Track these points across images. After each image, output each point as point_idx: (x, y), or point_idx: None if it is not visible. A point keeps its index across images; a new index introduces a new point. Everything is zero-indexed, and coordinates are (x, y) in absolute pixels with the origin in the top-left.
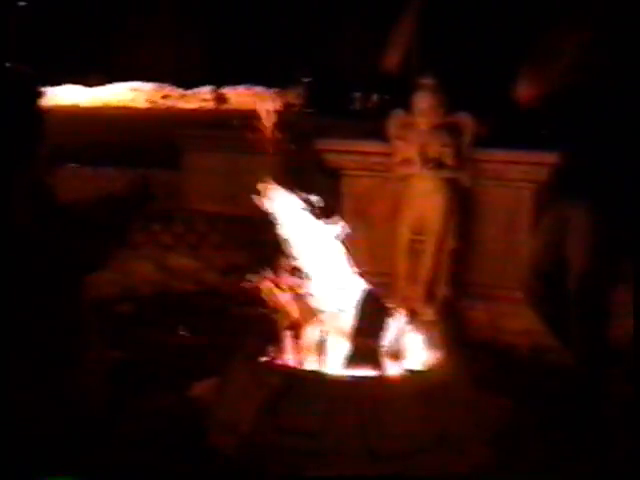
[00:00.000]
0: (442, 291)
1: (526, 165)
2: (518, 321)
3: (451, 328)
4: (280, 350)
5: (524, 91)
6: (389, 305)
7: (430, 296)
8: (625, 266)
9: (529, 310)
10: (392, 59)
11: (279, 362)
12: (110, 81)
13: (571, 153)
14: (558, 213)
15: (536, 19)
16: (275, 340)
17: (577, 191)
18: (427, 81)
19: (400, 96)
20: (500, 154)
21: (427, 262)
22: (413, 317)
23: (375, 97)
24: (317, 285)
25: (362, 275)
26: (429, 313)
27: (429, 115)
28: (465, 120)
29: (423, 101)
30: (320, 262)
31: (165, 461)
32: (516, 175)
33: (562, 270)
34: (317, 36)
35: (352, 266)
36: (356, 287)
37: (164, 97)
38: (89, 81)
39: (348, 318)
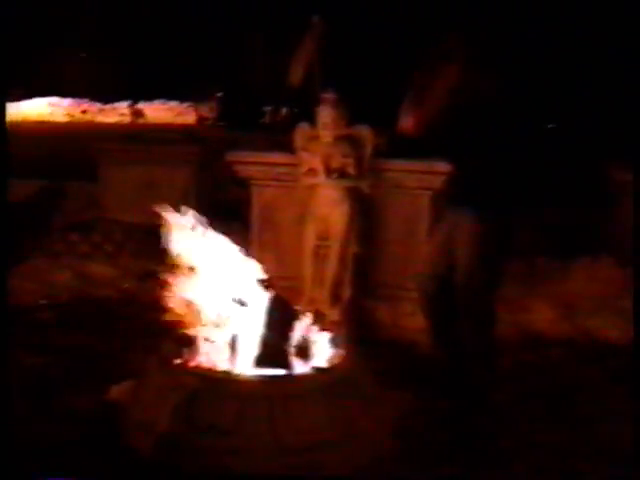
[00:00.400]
0: (347, 293)
1: (422, 174)
2: (418, 319)
3: (355, 328)
4: (194, 352)
5: (406, 123)
6: (296, 307)
7: (335, 298)
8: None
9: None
10: (296, 75)
11: (193, 364)
12: (29, 96)
13: (456, 165)
14: (449, 219)
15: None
16: (189, 343)
17: (463, 199)
18: (329, 96)
19: (308, 109)
20: (398, 164)
21: (332, 266)
22: (319, 318)
23: (284, 111)
24: (225, 289)
25: (270, 279)
26: (334, 314)
27: (332, 128)
28: (365, 132)
29: (326, 115)
30: (224, 267)
31: (82, 463)
32: (413, 183)
33: (453, 273)
34: (229, 51)
35: (260, 271)
36: (264, 291)
37: (83, 112)
38: (8, 96)
39: (257, 320)
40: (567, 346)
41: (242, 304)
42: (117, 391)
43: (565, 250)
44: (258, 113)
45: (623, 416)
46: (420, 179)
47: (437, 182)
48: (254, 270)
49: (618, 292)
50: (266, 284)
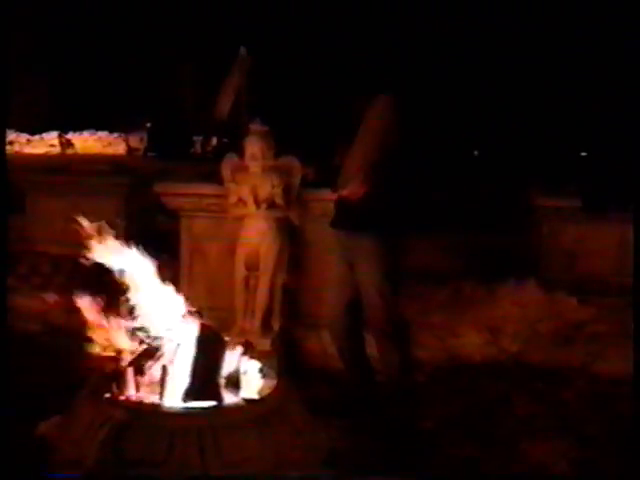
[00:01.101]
0: (277, 323)
1: None
2: None
3: (286, 357)
4: (123, 385)
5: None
6: (226, 338)
7: (266, 328)
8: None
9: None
10: (223, 107)
11: (122, 397)
12: None
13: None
14: (343, 246)
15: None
16: (117, 376)
17: (360, 224)
18: (257, 127)
19: (236, 140)
20: (326, 193)
21: (262, 296)
22: (250, 348)
23: (214, 141)
24: (154, 322)
25: (200, 310)
26: (265, 344)
27: (260, 159)
28: (293, 163)
29: (254, 146)
30: (154, 299)
31: None
32: None
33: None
34: (158, 82)
35: (190, 302)
36: (193, 322)
37: (10, 143)
38: None
39: (187, 352)
40: (494, 370)
41: (171, 336)
42: (46, 427)
43: (490, 275)
44: (187, 143)
45: (549, 436)
46: None
47: None
48: (184, 301)
49: (541, 315)
50: (196, 315)
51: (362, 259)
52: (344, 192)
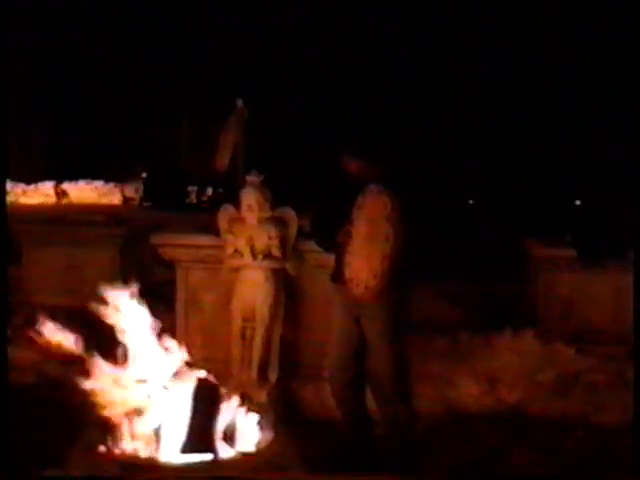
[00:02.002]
0: (274, 374)
1: None
2: None
3: (283, 409)
4: (118, 438)
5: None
6: (222, 390)
7: (263, 379)
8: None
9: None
10: (222, 158)
11: (117, 451)
12: None
13: None
14: (348, 300)
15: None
16: (113, 429)
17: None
18: (253, 178)
19: (232, 191)
20: None
21: (258, 347)
22: (246, 401)
23: (210, 191)
24: (150, 373)
25: (196, 362)
26: (262, 396)
27: (256, 210)
28: (289, 214)
29: (250, 197)
30: (150, 350)
31: None
32: None
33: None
34: (154, 132)
35: (185, 354)
36: (189, 374)
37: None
38: None
39: (183, 404)
40: (492, 420)
41: (165, 388)
42: None
43: (487, 324)
44: (183, 193)
45: None
46: None
47: None
48: (180, 353)
49: (539, 365)
50: (192, 366)
51: (372, 320)
52: (358, 293)
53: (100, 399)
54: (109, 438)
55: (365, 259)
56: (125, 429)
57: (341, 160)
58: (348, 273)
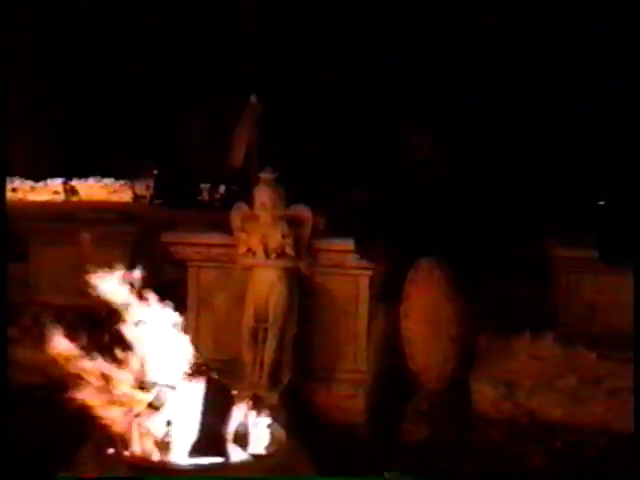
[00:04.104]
0: (286, 376)
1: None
2: (357, 401)
3: (295, 412)
4: (127, 441)
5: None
6: (234, 392)
7: (275, 381)
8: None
9: (367, 391)
10: (238, 155)
11: (126, 453)
12: None
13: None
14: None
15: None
16: (122, 431)
17: None
18: (267, 175)
19: (246, 188)
20: (337, 244)
21: (271, 349)
22: (258, 403)
23: (222, 188)
24: (160, 375)
25: (207, 363)
26: (273, 398)
27: (270, 208)
28: (304, 212)
29: (263, 195)
30: (161, 352)
31: None
32: (352, 263)
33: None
34: (165, 128)
35: (197, 355)
36: (200, 376)
37: (14, 190)
38: None
39: (193, 406)
40: (509, 426)
41: (174, 389)
42: None
43: (506, 327)
44: (195, 191)
45: None
46: (359, 259)
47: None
48: (190, 353)
49: (559, 370)
50: (203, 368)
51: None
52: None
53: (109, 401)
54: (118, 440)
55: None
56: (134, 431)
57: (409, 139)
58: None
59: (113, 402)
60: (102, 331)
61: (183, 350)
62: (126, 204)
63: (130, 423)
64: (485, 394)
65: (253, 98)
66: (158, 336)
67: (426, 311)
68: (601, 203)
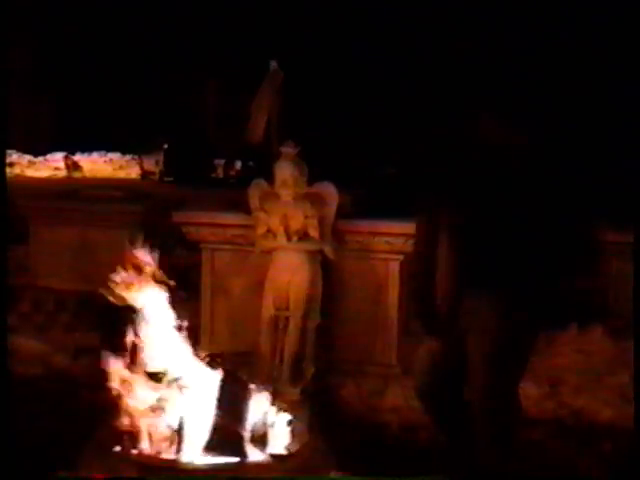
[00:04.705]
0: (309, 369)
1: (391, 236)
2: (388, 398)
3: (318, 408)
4: (135, 438)
5: None
6: (252, 386)
7: (296, 375)
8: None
9: (398, 387)
10: (258, 128)
11: (134, 451)
12: None
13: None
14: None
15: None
16: (129, 427)
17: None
18: (288, 150)
19: (265, 164)
20: (365, 225)
21: (292, 339)
22: (277, 398)
23: (239, 164)
24: (171, 367)
25: (223, 355)
26: (295, 393)
27: (291, 186)
28: (328, 190)
29: (285, 171)
30: (171, 342)
31: None
32: (382, 247)
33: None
34: (177, 98)
35: (211, 345)
36: (215, 368)
37: (11, 165)
38: None
39: (207, 401)
40: (552, 426)
41: (190, 383)
42: None
43: (550, 320)
44: (208, 167)
45: None
46: (389, 242)
47: (409, 246)
48: (204, 344)
49: (609, 366)
50: (218, 360)
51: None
52: None
53: (114, 394)
54: (125, 437)
55: None
56: (143, 427)
57: (479, 124)
58: None
59: (122, 397)
60: (109, 321)
61: (196, 340)
62: (133, 181)
63: (138, 419)
64: (527, 392)
65: (274, 64)
66: (168, 327)
67: None
68: None
